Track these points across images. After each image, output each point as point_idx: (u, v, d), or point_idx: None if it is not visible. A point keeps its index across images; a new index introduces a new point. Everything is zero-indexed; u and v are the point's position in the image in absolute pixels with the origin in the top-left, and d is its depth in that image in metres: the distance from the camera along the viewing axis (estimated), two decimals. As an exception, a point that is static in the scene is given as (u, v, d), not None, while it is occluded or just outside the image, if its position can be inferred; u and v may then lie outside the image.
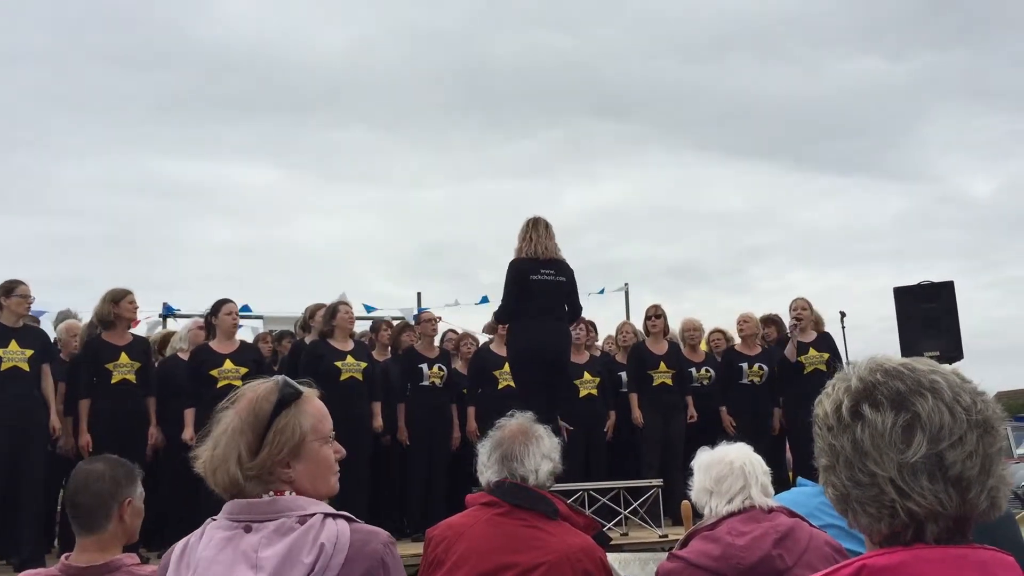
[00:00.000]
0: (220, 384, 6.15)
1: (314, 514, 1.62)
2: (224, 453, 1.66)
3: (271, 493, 1.65)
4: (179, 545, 1.68)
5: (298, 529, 1.59)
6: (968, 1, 38.80)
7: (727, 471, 2.63)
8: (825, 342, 7.52)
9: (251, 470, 1.65)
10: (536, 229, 6.32)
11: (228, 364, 6.33)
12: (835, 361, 7.23)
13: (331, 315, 6.79)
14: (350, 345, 6.81)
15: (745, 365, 7.73)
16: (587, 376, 7.50)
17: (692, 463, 2.78)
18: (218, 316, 6.53)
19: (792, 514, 2.59)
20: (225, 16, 29.56)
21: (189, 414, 6.21)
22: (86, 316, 7.39)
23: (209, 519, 1.69)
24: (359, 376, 6.65)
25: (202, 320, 7.22)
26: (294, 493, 1.66)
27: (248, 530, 1.61)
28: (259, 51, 31.86)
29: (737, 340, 8.09)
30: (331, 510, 1.65)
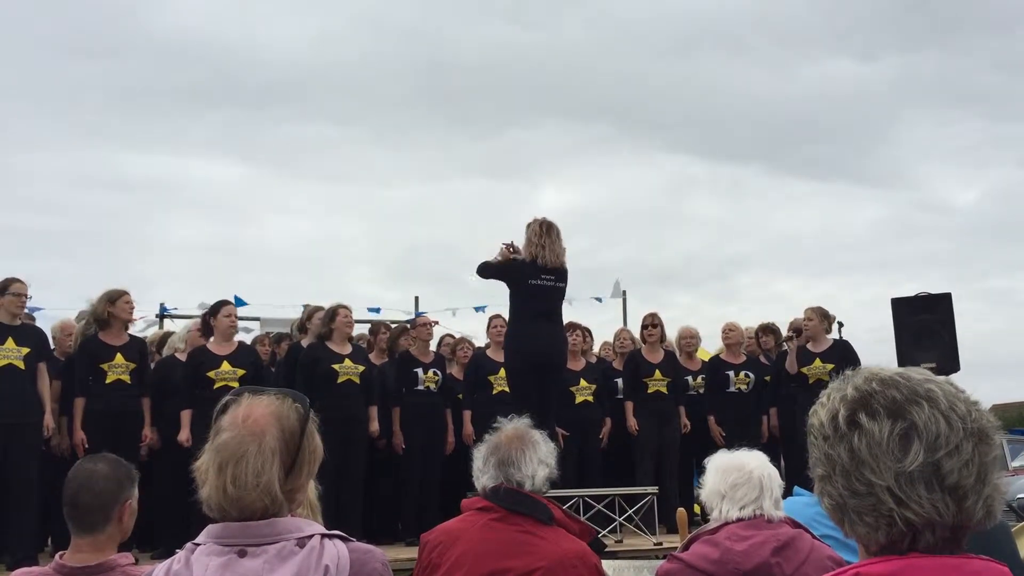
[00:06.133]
0: (217, 385, 6.16)
1: (311, 535, 1.59)
2: (270, 476, 1.59)
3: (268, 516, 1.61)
4: (159, 574, 1.61)
5: (300, 552, 1.56)
6: (936, 2, 38.76)
7: (744, 479, 2.62)
8: (838, 352, 7.42)
9: (289, 492, 1.63)
10: (549, 235, 6.26)
11: (225, 365, 6.34)
12: (843, 372, 7.17)
13: (330, 318, 6.79)
14: (348, 348, 6.82)
15: (731, 373, 7.76)
16: (583, 383, 7.50)
17: (705, 462, 2.77)
18: (217, 317, 6.54)
19: (796, 525, 2.59)
20: (178, 5, 29.27)
21: (186, 415, 6.20)
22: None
23: (189, 543, 1.62)
24: (356, 379, 6.65)
25: (200, 322, 7.21)
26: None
27: (243, 554, 1.55)
28: (214, 43, 31.57)
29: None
30: (324, 530, 1.63)
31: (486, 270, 6.43)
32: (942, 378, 1.17)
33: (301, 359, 6.78)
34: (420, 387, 7.11)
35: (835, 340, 7.61)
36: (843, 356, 7.39)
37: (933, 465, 1.08)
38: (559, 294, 6.38)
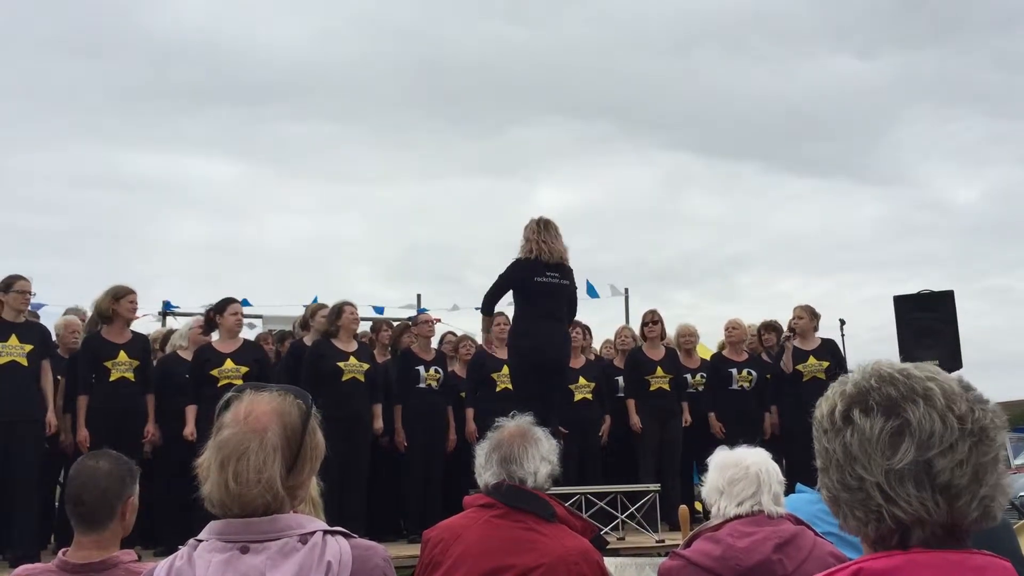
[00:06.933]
0: (221, 383, 6.16)
1: (313, 532, 1.59)
2: (272, 473, 1.59)
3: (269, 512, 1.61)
4: (161, 571, 1.62)
5: (302, 549, 1.56)
6: (936, 1, 38.65)
7: (742, 474, 2.63)
8: (828, 349, 7.52)
9: (290, 489, 1.63)
10: (546, 231, 6.23)
11: (229, 363, 6.36)
12: (836, 369, 7.23)
13: (336, 315, 6.78)
14: (354, 346, 6.80)
15: (734, 371, 7.76)
16: (582, 380, 7.50)
17: (708, 460, 2.78)
18: (223, 315, 6.55)
19: (798, 522, 2.59)
20: (177, 4, 29.26)
21: (191, 411, 6.23)
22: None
23: (191, 540, 1.63)
24: (361, 377, 6.64)
25: (203, 319, 7.24)
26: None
27: (245, 551, 1.56)
28: (214, 42, 31.57)
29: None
30: (327, 526, 1.63)
31: (491, 298, 6.41)
32: (952, 375, 1.16)
33: (307, 356, 6.78)
34: (422, 385, 7.11)
35: (823, 339, 7.65)
36: (833, 353, 7.48)
37: (925, 464, 1.08)
38: (565, 292, 6.31)
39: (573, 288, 6.40)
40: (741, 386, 7.73)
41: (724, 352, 8.00)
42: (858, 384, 1.16)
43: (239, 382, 6.03)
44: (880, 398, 1.13)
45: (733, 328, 7.97)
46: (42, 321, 7.12)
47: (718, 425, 7.54)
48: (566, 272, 6.31)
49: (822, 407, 1.20)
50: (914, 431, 1.10)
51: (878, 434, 1.11)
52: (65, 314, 7.53)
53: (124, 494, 2.36)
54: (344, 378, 6.55)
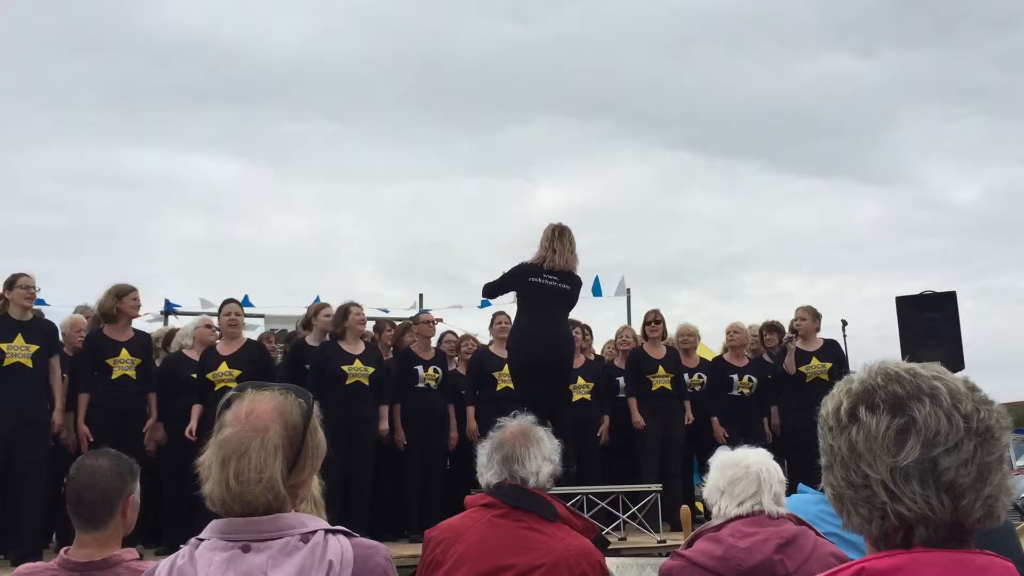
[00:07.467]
0: (217, 387, 6.18)
1: (316, 531, 1.59)
2: (273, 472, 1.59)
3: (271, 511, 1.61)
4: (163, 569, 1.62)
5: (304, 548, 1.56)
6: (936, 0, 38.68)
7: (742, 474, 2.63)
8: (830, 351, 7.51)
9: (292, 488, 1.63)
10: (560, 240, 6.19)
11: (223, 367, 6.38)
12: (839, 370, 7.22)
13: (343, 316, 6.75)
14: (360, 348, 6.76)
15: (735, 376, 7.73)
16: (581, 380, 7.47)
17: (708, 461, 2.78)
18: (219, 316, 6.59)
19: (800, 522, 2.59)
20: (176, 2, 29.35)
21: (196, 409, 6.23)
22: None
23: (193, 539, 1.63)
24: (365, 381, 6.60)
25: (209, 318, 7.28)
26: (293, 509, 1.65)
27: (247, 550, 1.56)
28: (213, 40, 31.66)
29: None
30: (328, 525, 1.63)
31: (490, 288, 6.44)
32: (957, 376, 1.17)
33: (313, 357, 6.77)
34: (420, 384, 7.09)
35: (825, 340, 7.63)
36: (835, 354, 7.44)
37: (930, 462, 1.09)
38: (564, 295, 6.26)
39: (572, 294, 6.33)
40: (741, 392, 7.71)
41: (725, 356, 7.98)
42: (864, 382, 1.16)
43: (233, 385, 6.06)
44: (886, 396, 1.13)
45: (734, 332, 7.94)
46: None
47: (721, 430, 7.52)
48: (567, 277, 6.24)
49: (828, 405, 1.20)
50: (920, 429, 1.10)
51: (884, 431, 1.11)
52: (76, 312, 7.53)
53: (124, 492, 2.36)
54: (348, 382, 6.52)
